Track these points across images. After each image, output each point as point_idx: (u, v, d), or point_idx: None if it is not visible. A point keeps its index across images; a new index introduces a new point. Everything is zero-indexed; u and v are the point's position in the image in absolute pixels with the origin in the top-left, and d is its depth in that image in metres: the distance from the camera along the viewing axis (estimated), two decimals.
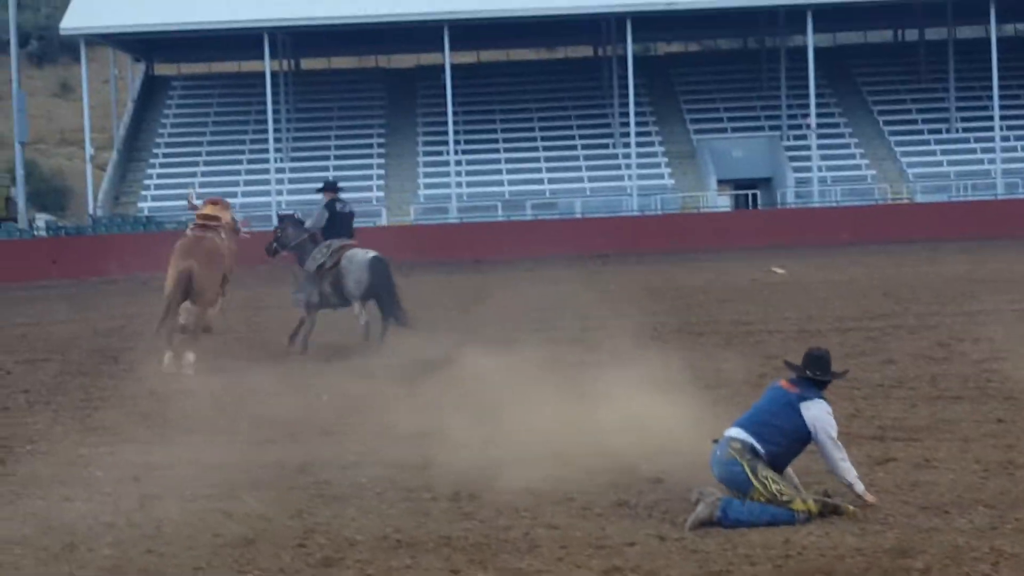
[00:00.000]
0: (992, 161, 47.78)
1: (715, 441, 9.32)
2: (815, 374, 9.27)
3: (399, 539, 8.89)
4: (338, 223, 19.27)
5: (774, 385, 9.51)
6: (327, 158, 50.83)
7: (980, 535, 8.43)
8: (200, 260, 17.01)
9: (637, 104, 49.04)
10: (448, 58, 47.32)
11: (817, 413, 9.14)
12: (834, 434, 9.18)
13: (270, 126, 47.34)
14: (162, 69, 57.99)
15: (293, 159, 50.57)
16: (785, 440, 9.11)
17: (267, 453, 11.78)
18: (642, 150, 48.96)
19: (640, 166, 47.93)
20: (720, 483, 9.10)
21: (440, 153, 49.73)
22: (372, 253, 19.22)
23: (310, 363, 17.71)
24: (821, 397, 9.25)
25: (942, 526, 8.69)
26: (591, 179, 49.42)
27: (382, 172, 50.55)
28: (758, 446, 9.04)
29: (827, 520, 8.90)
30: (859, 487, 9.19)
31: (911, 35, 57.59)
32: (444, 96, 47.90)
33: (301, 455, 11.61)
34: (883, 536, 8.49)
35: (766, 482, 8.90)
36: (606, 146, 51.22)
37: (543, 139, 51.49)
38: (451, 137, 47.54)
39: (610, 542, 8.64)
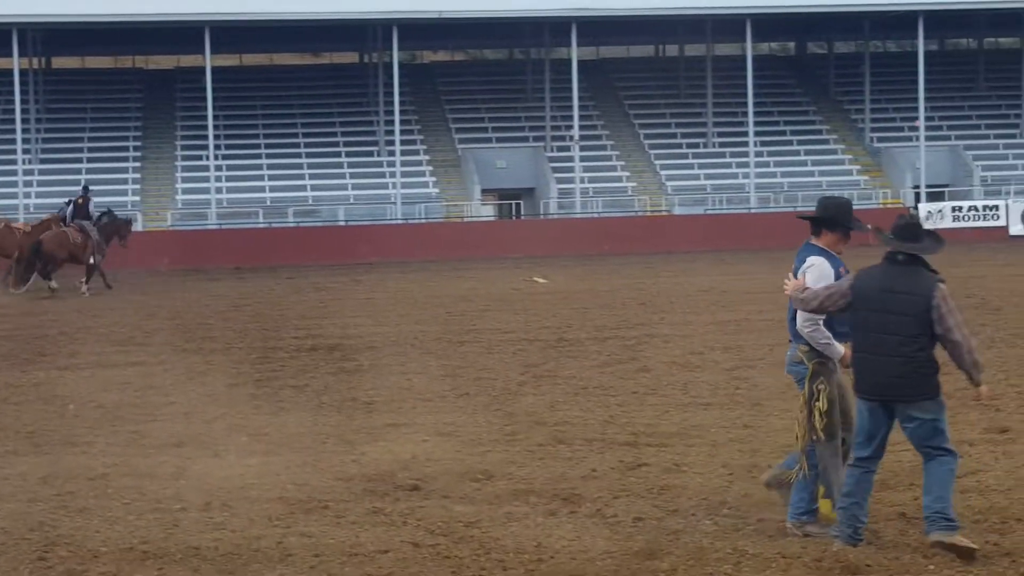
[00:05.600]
0: (746, 176, 49.21)
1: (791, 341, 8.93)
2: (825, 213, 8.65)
3: (146, 550, 8.63)
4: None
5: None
6: (79, 160, 49.16)
7: (724, 536, 8.66)
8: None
9: (402, 112, 48.92)
10: (209, 60, 46.34)
11: (811, 262, 8.56)
12: (815, 285, 8.39)
13: (18, 126, 45.50)
14: None
15: (43, 160, 48.81)
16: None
17: (8, 465, 11.34)
18: (407, 158, 48.84)
19: (404, 174, 47.81)
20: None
21: (200, 157, 48.65)
22: None
23: (55, 372, 17.15)
24: (820, 253, 8.61)
25: (688, 528, 8.90)
26: (355, 187, 49.10)
27: (138, 176, 49.17)
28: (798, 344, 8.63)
29: (579, 524, 9.02)
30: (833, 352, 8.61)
31: (672, 50, 58.97)
32: (204, 99, 46.87)
33: (45, 467, 11.20)
34: (633, 539, 8.64)
35: (814, 405, 8.53)
36: (371, 154, 50.97)
37: (306, 145, 50.89)
38: (211, 141, 46.54)
39: (364, 550, 8.57)
